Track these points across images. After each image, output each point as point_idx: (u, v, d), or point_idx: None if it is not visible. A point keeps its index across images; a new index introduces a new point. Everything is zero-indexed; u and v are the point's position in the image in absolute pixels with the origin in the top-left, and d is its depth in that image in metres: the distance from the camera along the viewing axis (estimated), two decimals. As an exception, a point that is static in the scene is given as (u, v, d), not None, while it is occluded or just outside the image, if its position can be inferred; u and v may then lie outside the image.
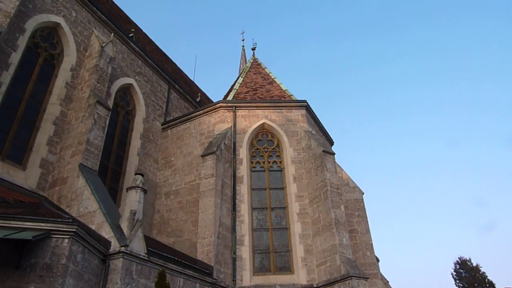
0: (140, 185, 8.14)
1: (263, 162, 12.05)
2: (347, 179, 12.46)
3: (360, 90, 54.68)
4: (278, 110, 12.79)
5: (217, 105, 12.78)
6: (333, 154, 11.68)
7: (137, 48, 13.50)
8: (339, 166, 12.57)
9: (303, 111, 12.84)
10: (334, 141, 14.83)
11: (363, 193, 12.09)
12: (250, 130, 12.37)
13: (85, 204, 7.82)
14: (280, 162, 12.10)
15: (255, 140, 12.43)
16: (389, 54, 54.45)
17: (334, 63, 58.92)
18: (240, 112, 12.62)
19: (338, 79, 57.95)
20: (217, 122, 12.54)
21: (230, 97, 13.56)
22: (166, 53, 19.56)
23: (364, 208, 11.66)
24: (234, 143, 11.97)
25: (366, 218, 11.37)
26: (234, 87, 14.45)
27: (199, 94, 18.13)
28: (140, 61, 13.64)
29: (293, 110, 12.81)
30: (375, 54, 55.36)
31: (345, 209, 11.34)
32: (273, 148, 12.28)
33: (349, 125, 52.38)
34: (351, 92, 55.73)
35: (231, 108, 12.65)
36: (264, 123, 12.64)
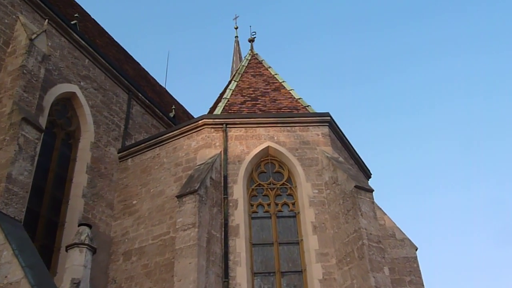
0: (87, 242, 8.11)
1: (268, 205, 12.29)
2: (393, 228, 12.42)
3: (406, 99, 54.94)
4: (289, 128, 13.10)
5: (200, 122, 13.11)
6: (371, 191, 11.72)
7: (83, 42, 13.61)
8: (380, 209, 12.67)
9: (326, 129, 13.15)
10: (371, 172, 15.15)
11: (416, 249, 12.20)
12: (248, 158, 12.59)
13: (4, 271, 7.65)
14: (293, 204, 12.34)
15: (255, 172, 12.66)
16: (437, 48, 55.32)
17: (363, 61, 59.53)
18: (233, 132, 12.92)
19: (371, 83, 58.41)
20: (200, 147, 12.82)
21: (218, 111, 13.84)
22: (126, 48, 19.70)
23: (419, 269, 11.75)
24: (226, 177, 12.18)
25: (422, 284, 11.53)
26: (225, 96, 14.70)
27: (174, 107, 18.49)
28: (87, 60, 13.81)
29: (311, 127, 13.14)
30: (419, 48, 56.06)
31: (391, 272, 11.33)
32: (283, 184, 12.52)
33: (393, 149, 52.05)
34: (394, 102, 55.99)
35: (220, 126, 12.97)
36: (268, 147, 12.88)
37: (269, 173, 12.69)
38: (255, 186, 12.45)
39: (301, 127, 13.14)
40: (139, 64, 20.69)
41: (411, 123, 54.25)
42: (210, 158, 12.42)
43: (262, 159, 12.83)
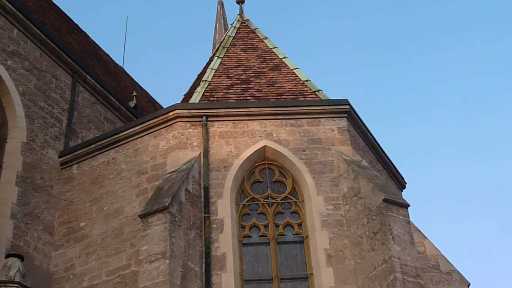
0: (17, 279, 8.01)
1: (265, 226, 12.44)
2: (436, 257, 12.33)
3: (453, 86, 53.94)
4: (293, 122, 13.31)
5: (171, 113, 13.28)
6: (406, 206, 11.83)
7: (10, 5, 13.50)
8: (419, 231, 12.73)
9: (343, 122, 13.37)
10: (406, 181, 15.44)
11: (468, 285, 12.18)
12: (238, 163, 12.80)
13: None
14: (300, 225, 12.51)
15: (248, 182, 12.86)
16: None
17: (392, 32, 59.15)
18: (217, 127, 13.17)
19: (403, 63, 57.83)
20: (172, 149, 12.96)
21: (196, 98, 14.03)
22: (69, 15, 19.78)
23: (472, 314, 11.64)
24: (207, 190, 12.36)
25: (477, 335, 11.57)
26: (205, 78, 14.87)
27: (135, 94, 18.62)
28: (15, 30, 13.76)
29: (323, 120, 13.31)
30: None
31: (433, 318, 11.38)
32: (285, 198, 12.73)
33: (435, 151, 51.19)
34: (436, 89, 54.98)
35: (198, 119, 13.17)
36: (265, 147, 13.08)
37: (267, 182, 12.82)
38: (248, 201, 12.61)
39: (310, 120, 13.30)
40: (88, 36, 20.62)
41: (459, 118, 53.50)
42: (186, 163, 12.49)
43: (256, 164, 12.99)
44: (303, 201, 12.63)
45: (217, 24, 28.45)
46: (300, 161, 12.90)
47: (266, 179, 12.91)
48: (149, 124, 13.46)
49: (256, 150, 13.02)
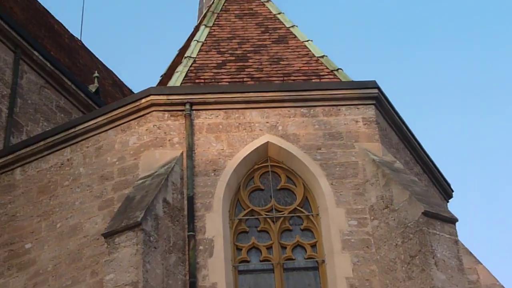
0: None
1: (269, 248, 12.20)
2: (493, 287, 12.22)
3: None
4: (305, 111, 13.23)
5: (144, 100, 13.16)
6: (453, 221, 11.61)
7: None
8: (470, 254, 12.65)
9: (370, 111, 13.30)
10: (453, 188, 15.44)
11: None
12: (232, 165, 12.64)
13: None
14: (314, 246, 12.32)
15: (245, 190, 12.72)
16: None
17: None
18: (204, 118, 13.09)
19: (449, 41, 56.21)
20: (146, 146, 12.88)
21: (177, 80, 14.01)
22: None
23: None
24: (191, 200, 12.17)
25: None
26: (188, 53, 14.79)
27: (96, 75, 18.75)
28: None
29: (344, 108, 13.21)
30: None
31: None
32: (294, 211, 12.58)
33: (488, 151, 49.08)
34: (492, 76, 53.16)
35: (180, 108, 13.13)
36: (268, 144, 12.93)
37: (270, 191, 12.76)
38: (245, 215, 12.51)
39: (327, 108, 13.25)
40: (36, 1, 20.62)
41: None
42: (164, 166, 12.43)
43: (256, 167, 12.95)
44: (317, 215, 12.52)
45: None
46: (314, 162, 12.80)
47: (269, 186, 12.84)
48: (115, 115, 13.34)
49: (256, 149, 12.92)
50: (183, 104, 13.08)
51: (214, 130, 13.03)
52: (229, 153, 12.82)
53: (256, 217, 12.55)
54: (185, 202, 12.26)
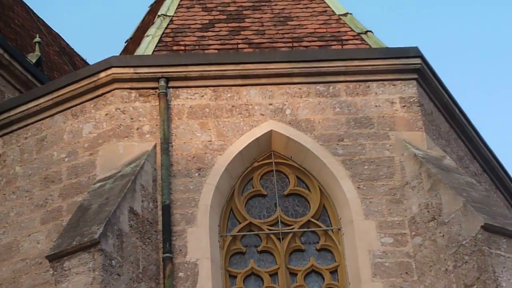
0: None
1: (273, 275, 12.15)
2: None
3: None
4: (323, 87, 13.19)
5: (103, 74, 13.09)
6: None
7: None
8: None
9: (412, 89, 13.26)
10: None
11: None
12: (223, 163, 12.60)
13: None
14: (334, 272, 12.28)
15: (241, 196, 12.75)
16: None
17: None
18: (185, 99, 13.09)
19: None
20: (106, 137, 12.85)
21: (147, 47, 14.08)
22: None
23: None
24: (168, 210, 12.07)
25: None
26: (162, 11, 14.83)
27: (38, 39, 18.72)
28: None
29: (375, 85, 13.23)
30: None
31: None
32: (307, 225, 12.56)
33: None
34: None
35: (151, 84, 13.13)
36: (271, 133, 12.93)
37: (275, 197, 12.71)
38: (241, 230, 12.45)
39: (353, 85, 13.20)
40: None
41: None
42: (130, 163, 12.32)
43: (256, 165, 12.94)
44: (339, 229, 12.48)
45: None
46: (335, 158, 12.69)
47: (274, 191, 12.74)
48: (63, 95, 13.25)
49: (256, 140, 12.81)
50: (156, 79, 12.95)
51: (198, 114, 12.92)
52: (219, 146, 12.71)
53: (256, 232, 12.48)
54: (159, 213, 12.13)
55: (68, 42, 23.07)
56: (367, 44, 14.03)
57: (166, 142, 12.53)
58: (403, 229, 12.17)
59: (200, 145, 12.68)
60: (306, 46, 14.07)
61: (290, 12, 14.84)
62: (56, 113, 13.33)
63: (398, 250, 12.03)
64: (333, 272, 12.23)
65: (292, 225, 12.43)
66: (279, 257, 12.17)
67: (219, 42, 14.23)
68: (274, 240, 12.29)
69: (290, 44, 14.02)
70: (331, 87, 13.20)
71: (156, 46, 14.03)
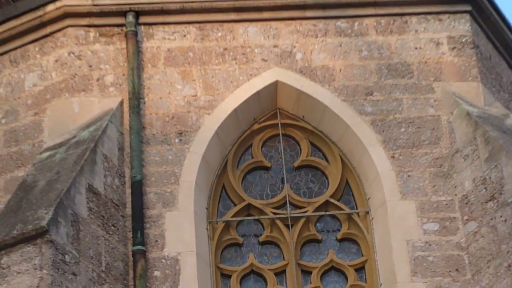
0: None
1: (279, 274, 12.25)
2: None
3: None
4: (345, 24, 13.26)
5: (51, 8, 13.00)
6: None
7: None
8: None
9: (464, 25, 13.26)
10: None
11: None
12: (212, 124, 12.62)
13: None
14: (361, 269, 12.37)
15: (236, 170, 12.87)
16: None
17: None
18: (159, 40, 13.16)
19: None
20: (55, 91, 12.80)
21: None
22: None
23: None
24: (138, 187, 12.06)
25: None
26: None
27: None
28: None
29: (415, 19, 13.26)
30: None
31: None
32: (325, 206, 12.55)
33: None
34: None
35: (115, 20, 13.13)
36: (276, 85, 12.93)
37: (281, 170, 12.76)
38: (237, 214, 12.43)
39: (384, 20, 13.23)
40: None
41: None
42: (88, 126, 12.21)
43: (257, 127, 12.96)
44: (367, 213, 12.46)
45: None
46: (362, 118, 12.65)
47: (280, 162, 12.80)
48: None
49: (256, 94, 12.79)
50: (123, 13, 12.87)
51: (179, 61, 12.86)
52: (206, 102, 12.68)
53: (256, 217, 12.45)
54: (128, 191, 12.03)
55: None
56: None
57: (136, 98, 12.39)
58: (452, 212, 11.99)
59: (181, 102, 12.58)
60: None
61: None
62: (-11, 63, 13.20)
63: (445, 240, 11.85)
64: (359, 269, 12.14)
65: (304, 207, 12.32)
66: (287, 251, 12.10)
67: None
68: (280, 227, 12.20)
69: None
70: (356, 23, 13.10)
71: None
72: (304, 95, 12.76)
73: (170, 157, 12.26)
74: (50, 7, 12.81)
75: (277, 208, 12.34)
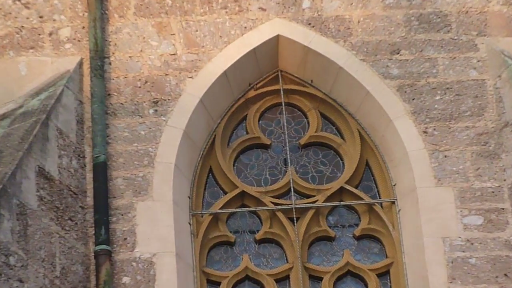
0: None
1: (281, 280, 12.19)
2: None
3: None
4: None
5: None
6: None
7: None
8: None
9: None
10: None
11: None
12: (197, 90, 12.55)
13: None
14: (385, 274, 12.34)
15: (226, 148, 12.99)
16: None
17: None
18: None
19: None
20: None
21: None
22: None
23: None
24: (102, 170, 12.00)
25: None
26: None
27: None
28: None
29: None
30: None
31: None
32: (337, 195, 12.58)
33: None
34: None
35: None
36: (278, 39, 12.97)
37: (284, 148, 12.84)
38: (227, 205, 12.42)
39: None
40: None
41: None
42: (38, 94, 12.19)
43: (252, 94, 13.02)
44: (393, 203, 12.38)
45: None
46: (386, 83, 12.54)
47: (283, 138, 12.81)
48: None
49: (253, 52, 12.73)
50: None
51: (154, 10, 12.81)
52: (189, 62, 12.61)
53: (252, 209, 12.43)
54: (89, 176, 11.96)
55: None
56: None
57: (99, 57, 12.28)
58: (499, 202, 11.85)
59: (157, 62, 12.49)
60: None
61: None
62: None
63: (491, 238, 11.70)
64: (383, 274, 12.11)
65: (313, 196, 12.23)
66: (291, 251, 12.04)
67: None
68: (283, 221, 12.10)
69: None
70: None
71: None
72: (312, 53, 12.58)
73: (143, 133, 12.06)
74: None
75: (278, 197, 12.21)
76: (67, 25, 12.63)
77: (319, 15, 12.73)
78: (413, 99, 12.41)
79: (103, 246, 11.30)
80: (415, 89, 12.52)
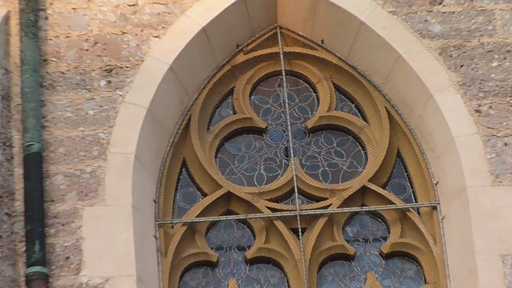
0: None
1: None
2: None
3: None
4: None
5: None
6: None
7: None
8: None
9: None
10: None
11: None
12: (167, 56, 12.37)
13: None
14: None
15: (206, 132, 12.99)
16: None
17: None
18: None
19: None
20: None
21: None
22: None
23: None
24: (36, 162, 11.69)
25: None
26: None
27: None
28: None
29: None
30: None
31: None
32: (358, 196, 12.40)
33: None
34: None
35: None
36: None
37: (284, 134, 12.81)
38: (206, 212, 12.18)
39: None
40: None
41: None
42: None
43: (242, 59, 13.00)
44: (435, 208, 12.18)
45: None
46: (424, 44, 12.48)
47: (283, 118, 12.77)
48: None
49: (242, 1, 12.56)
50: None
51: None
52: (154, 16, 12.58)
53: (242, 217, 12.22)
54: (18, 171, 11.61)
55: None
56: None
57: (32, 10, 12.17)
58: None
59: (111, 16, 12.41)
60: None
61: None
62: None
63: None
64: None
65: (325, 198, 11.99)
66: (295, 274, 11.74)
67: None
68: (284, 233, 11.83)
69: None
70: None
71: None
72: (324, 3, 12.52)
73: (92, 112, 11.79)
74: None
75: (277, 200, 11.99)
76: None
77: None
78: (461, 65, 12.17)
79: (37, 268, 10.79)
80: (464, 52, 12.35)
